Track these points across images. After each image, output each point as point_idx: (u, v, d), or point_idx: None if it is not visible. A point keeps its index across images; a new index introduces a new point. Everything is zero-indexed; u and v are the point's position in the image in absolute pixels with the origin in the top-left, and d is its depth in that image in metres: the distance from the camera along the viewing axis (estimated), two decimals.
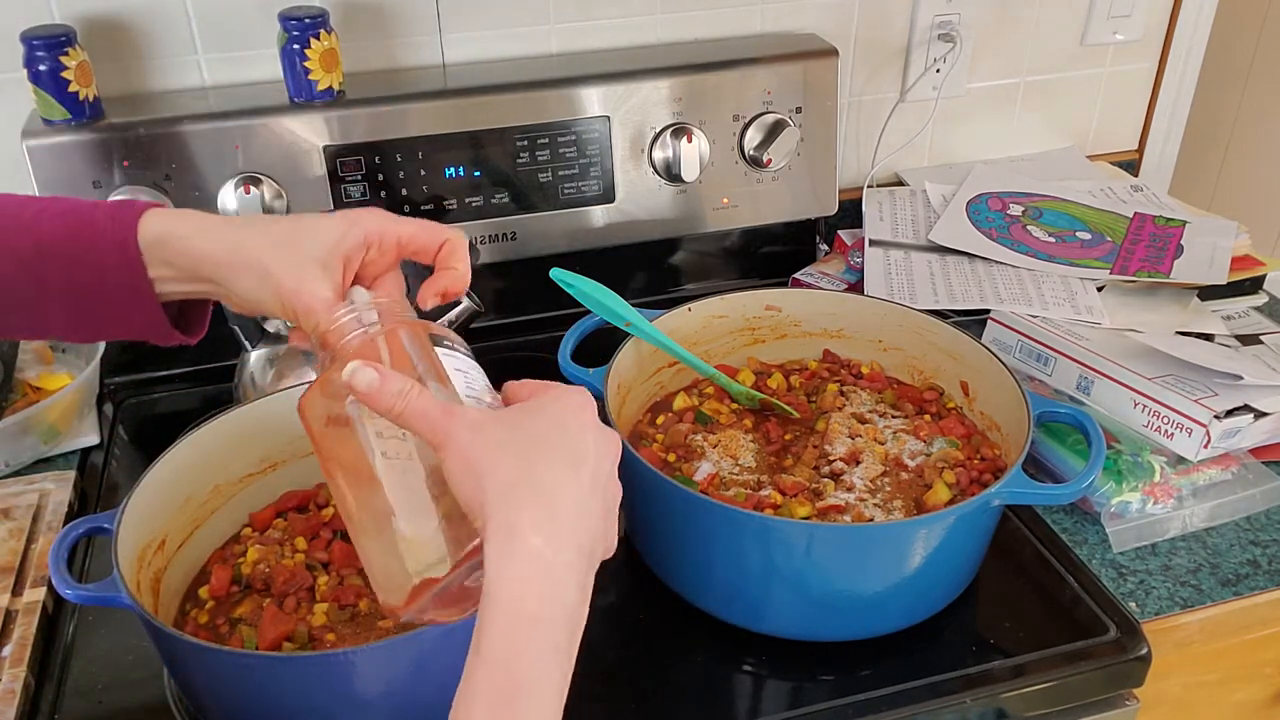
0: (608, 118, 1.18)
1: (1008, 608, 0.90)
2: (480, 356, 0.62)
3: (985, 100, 1.45)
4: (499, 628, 0.49)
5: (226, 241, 0.65)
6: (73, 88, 1.04)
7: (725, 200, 1.26)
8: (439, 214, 1.16)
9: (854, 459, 0.92)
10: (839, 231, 1.36)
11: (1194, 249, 1.25)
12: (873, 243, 1.29)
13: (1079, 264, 1.24)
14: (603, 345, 0.95)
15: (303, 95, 1.10)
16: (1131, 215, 1.33)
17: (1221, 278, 1.21)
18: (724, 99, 1.21)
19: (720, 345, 1.05)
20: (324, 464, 0.59)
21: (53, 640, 0.87)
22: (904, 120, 1.41)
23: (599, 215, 1.22)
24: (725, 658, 0.86)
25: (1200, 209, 1.36)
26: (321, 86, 1.10)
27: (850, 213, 1.37)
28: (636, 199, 1.22)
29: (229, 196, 1.09)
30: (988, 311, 1.14)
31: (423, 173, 1.14)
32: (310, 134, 1.10)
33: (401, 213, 1.13)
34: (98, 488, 1.04)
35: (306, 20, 1.07)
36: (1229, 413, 0.96)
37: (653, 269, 1.33)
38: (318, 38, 1.08)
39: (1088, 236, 1.30)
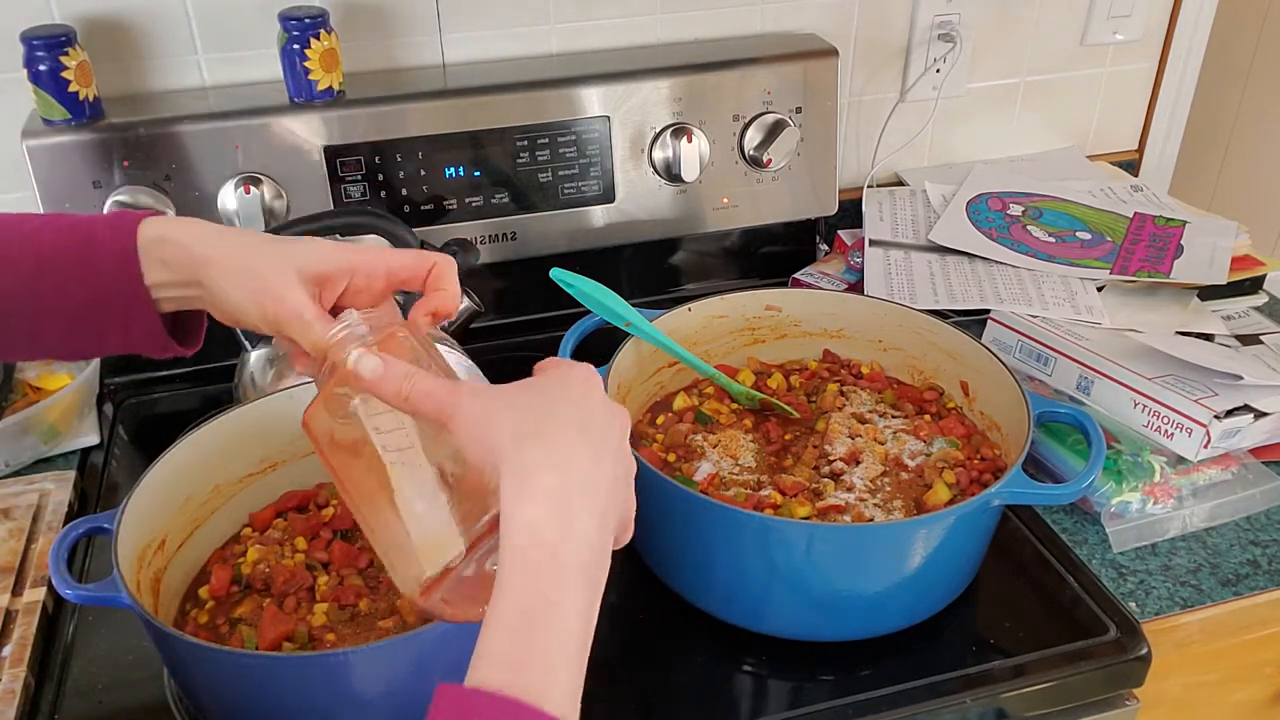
0: (608, 118, 1.18)
1: (1008, 608, 0.90)
2: (480, 356, 0.63)
3: (985, 100, 1.45)
4: (517, 556, 0.50)
5: (219, 244, 0.65)
6: (73, 88, 1.04)
7: (725, 200, 1.26)
8: (439, 214, 1.16)
9: (854, 459, 0.92)
10: (839, 231, 1.36)
11: (1194, 249, 1.25)
12: (873, 243, 1.29)
13: (1079, 264, 1.24)
14: (603, 345, 0.95)
15: (303, 95, 1.10)
16: (1131, 215, 1.33)
17: (1221, 278, 1.21)
18: (724, 99, 1.21)
19: (720, 345, 1.05)
20: (332, 471, 0.59)
21: (53, 640, 0.87)
22: (904, 120, 1.41)
23: (599, 215, 1.22)
24: (725, 658, 0.86)
25: (1200, 209, 1.36)
26: (321, 86, 1.10)
27: (850, 213, 1.37)
28: (636, 199, 1.22)
29: (229, 196, 1.09)
30: (988, 311, 1.14)
31: (423, 173, 1.14)
32: (310, 134, 1.10)
33: (401, 213, 1.14)
34: (98, 488, 1.04)
35: (306, 20, 1.07)
36: (1229, 413, 0.96)
37: (653, 269, 1.33)
38: (318, 38, 1.08)
39: (1088, 236, 1.30)
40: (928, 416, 0.98)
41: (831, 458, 0.92)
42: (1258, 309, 1.23)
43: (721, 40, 1.29)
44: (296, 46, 1.08)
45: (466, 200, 1.17)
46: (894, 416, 0.98)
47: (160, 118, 1.08)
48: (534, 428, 0.52)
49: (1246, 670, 0.99)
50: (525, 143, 1.16)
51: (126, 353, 0.70)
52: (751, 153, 1.23)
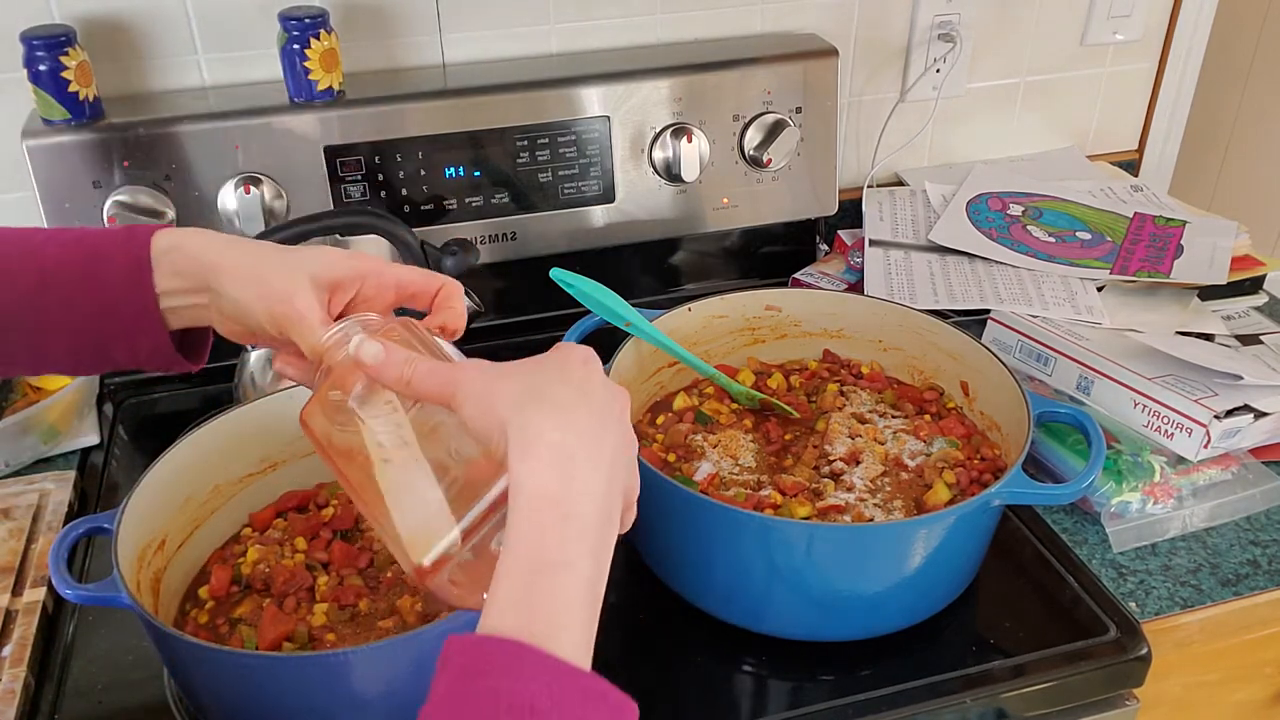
0: (608, 118, 1.18)
1: (1008, 608, 0.90)
2: (480, 356, 0.62)
3: (985, 100, 1.45)
4: (523, 511, 0.50)
5: (230, 251, 0.66)
6: (72, 88, 1.04)
7: (725, 200, 1.26)
8: (439, 214, 1.16)
9: (854, 459, 0.92)
10: (839, 231, 1.36)
11: (1194, 249, 1.25)
12: (873, 243, 1.29)
13: (1079, 264, 1.24)
14: (603, 345, 0.94)
15: (303, 95, 1.10)
16: (1131, 215, 1.33)
17: (1221, 278, 1.21)
18: (724, 99, 1.21)
19: (720, 345, 1.05)
20: (333, 468, 0.60)
21: (53, 640, 0.87)
22: (904, 120, 1.41)
23: (599, 215, 1.22)
24: (725, 658, 0.86)
25: (1200, 209, 1.36)
26: (321, 86, 1.10)
27: (850, 213, 1.37)
28: (636, 199, 1.22)
29: (229, 196, 1.09)
30: (988, 311, 1.14)
31: (423, 173, 1.14)
32: (310, 134, 1.10)
33: (401, 213, 1.14)
34: (98, 488, 1.04)
35: (306, 20, 1.07)
36: (1229, 413, 0.96)
37: (653, 269, 1.33)
38: (318, 38, 1.08)
39: (1088, 236, 1.30)
40: (928, 416, 0.98)
41: (831, 458, 0.92)
42: (1258, 309, 1.23)
43: (721, 40, 1.29)
44: (296, 46, 1.08)
45: (466, 200, 1.17)
46: (894, 416, 0.98)
47: (160, 118, 1.08)
48: (536, 392, 0.53)
49: (1246, 670, 0.99)
50: (525, 143, 1.16)
51: (131, 368, 0.70)
52: (751, 153, 1.23)
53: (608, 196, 1.21)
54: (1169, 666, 0.90)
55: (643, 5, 1.25)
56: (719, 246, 1.34)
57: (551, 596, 0.49)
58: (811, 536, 0.80)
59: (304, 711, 0.70)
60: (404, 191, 1.15)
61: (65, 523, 0.96)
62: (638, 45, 1.27)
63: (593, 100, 1.17)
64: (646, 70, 1.19)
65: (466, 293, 1.06)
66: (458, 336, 0.68)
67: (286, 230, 0.98)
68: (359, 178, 1.13)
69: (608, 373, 0.91)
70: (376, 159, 1.13)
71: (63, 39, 1.03)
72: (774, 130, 1.22)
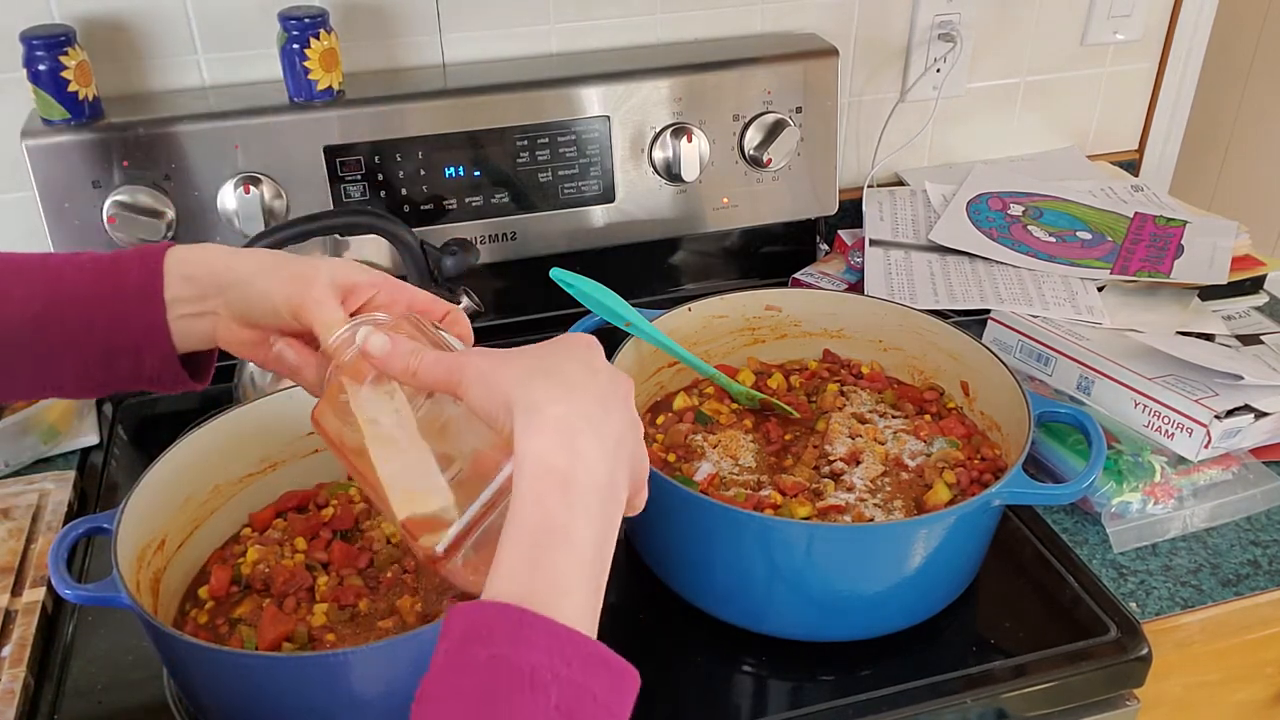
0: (608, 118, 1.18)
1: (1008, 608, 0.90)
2: None
3: (985, 100, 1.45)
4: (527, 484, 0.51)
5: (250, 255, 0.68)
6: (72, 87, 1.04)
7: (725, 200, 1.26)
8: (439, 214, 1.16)
9: (854, 459, 0.92)
10: (839, 231, 1.36)
11: (1194, 249, 1.25)
12: (873, 243, 1.29)
13: (1079, 264, 1.24)
14: (603, 345, 0.94)
15: (302, 95, 1.10)
16: (1132, 215, 1.33)
17: (1222, 278, 1.20)
18: (724, 99, 1.21)
19: (720, 345, 1.05)
20: (346, 462, 0.61)
21: (52, 640, 0.87)
22: (904, 120, 1.41)
23: (599, 215, 1.22)
24: (725, 658, 0.86)
25: (1200, 209, 1.36)
26: (321, 86, 1.10)
27: (850, 213, 1.37)
28: (636, 199, 1.22)
29: (229, 196, 1.09)
30: (988, 311, 1.14)
31: (423, 173, 1.14)
32: (310, 134, 1.10)
33: (401, 213, 1.14)
34: (97, 488, 1.04)
35: (306, 20, 1.07)
36: (1229, 413, 0.96)
37: (653, 269, 1.33)
38: (317, 37, 1.08)
39: (1088, 236, 1.29)
40: (928, 416, 0.98)
41: (832, 458, 0.92)
42: (1258, 309, 1.23)
43: (721, 40, 1.29)
44: (296, 46, 1.08)
45: (466, 200, 1.17)
46: (894, 416, 0.98)
47: (160, 118, 1.08)
48: (542, 370, 0.54)
49: (1247, 670, 0.99)
50: (525, 143, 1.16)
51: (137, 388, 0.71)
52: (751, 153, 1.23)
53: (608, 196, 1.21)
54: (1169, 667, 0.90)
55: (643, 5, 1.25)
56: (719, 246, 1.34)
57: (554, 564, 0.49)
58: (811, 536, 0.80)
59: (304, 711, 0.70)
60: (404, 191, 1.15)
61: (65, 523, 0.96)
62: (638, 45, 1.27)
63: (593, 100, 1.17)
64: (646, 70, 1.19)
65: (466, 292, 1.06)
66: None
67: (286, 230, 0.98)
68: (359, 178, 1.13)
69: None
70: (376, 159, 1.13)
71: (62, 39, 1.03)
72: (774, 130, 1.22)
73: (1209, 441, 0.95)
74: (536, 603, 0.48)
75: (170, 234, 1.08)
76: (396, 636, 0.73)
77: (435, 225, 1.16)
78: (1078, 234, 1.30)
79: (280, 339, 0.68)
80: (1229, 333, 1.16)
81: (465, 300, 1.06)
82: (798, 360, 1.07)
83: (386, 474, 0.58)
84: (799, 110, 1.24)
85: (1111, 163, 1.52)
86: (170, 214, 1.07)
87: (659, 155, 1.21)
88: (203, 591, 0.82)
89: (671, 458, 0.93)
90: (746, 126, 1.23)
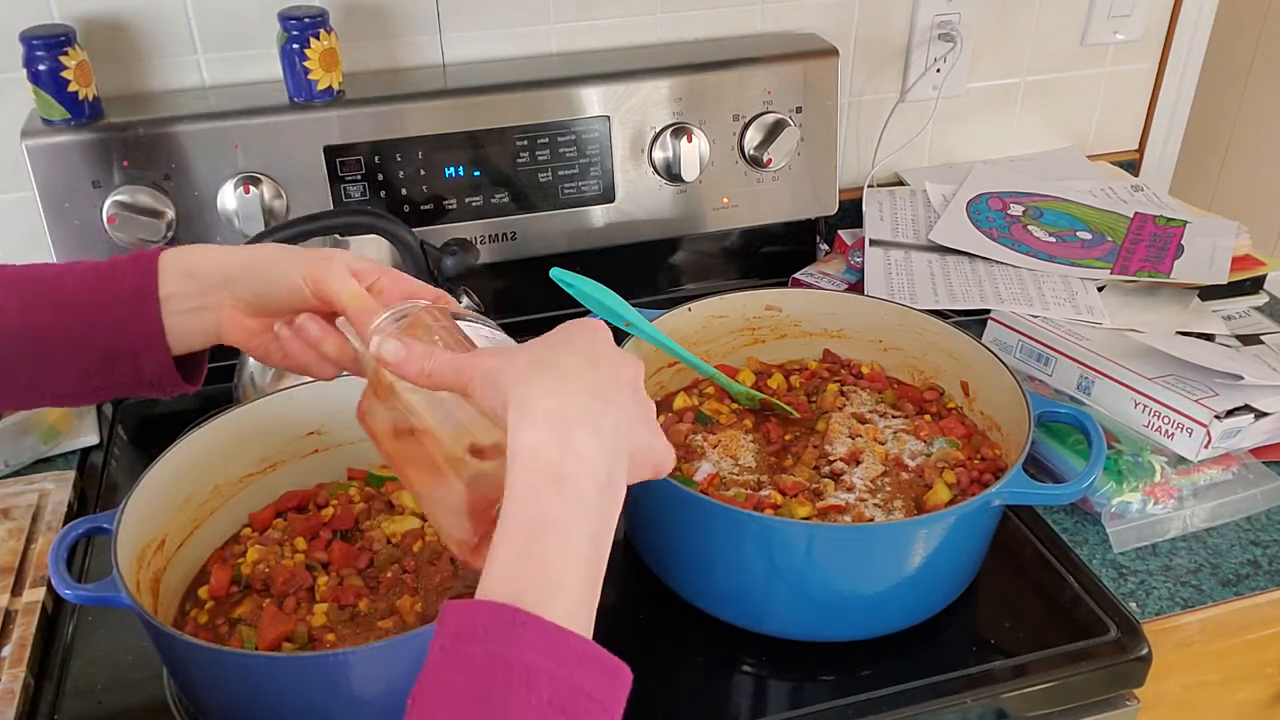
0: (608, 118, 1.18)
1: (1008, 608, 0.90)
2: None
3: (985, 100, 1.45)
4: (519, 478, 0.51)
5: (258, 246, 0.71)
6: (72, 87, 1.04)
7: (725, 200, 1.25)
8: (439, 214, 1.16)
9: (854, 459, 0.92)
10: (839, 231, 1.35)
11: (1194, 249, 1.25)
12: (873, 242, 1.29)
13: (1079, 264, 1.24)
14: None
15: (302, 95, 1.10)
16: (1132, 215, 1.33)
17: (1222, 278, 1.20)
18: (724, 99, 1.21)
19: (720, 345, 1.05)
20: (388, 455, 0.64)
21: (52, 640, 0.87)
22: (904, 120, 1.41)
23: (599, 215, 1.22)
24: (725, 658, 0.86)
25: (1200, 209, 1.36)
26: (321, 86, 1.10)
27: (850, 213, 1.37)
28: (636, 199, 1.22)
29: (228, 196, 1.09)
30: (988, 311, 1.14)
31: (423, 173, 1.14)
32: (310, 134, 1.10)
33: (401, 213, 1.14)
34: (97, 488, 1.04)
35: (306, 20, 1.07)
36: (1229, 413, 0.96)
37: (653, 269, 1.33)
38: (317, 37, 1.08)
39: (1088, 236, 1.29)
40: (928, 416, 0.98)
41: (832, 458, 0.92)
42: (1258, 309, 1.23)
43: (721, 40, 1.29)
44: (296, 46, 1.08)
45: (466, 200, 1.17)
46: (894, 416, 0.98)
47: (160, 117, 1.08)
48: (539, 363, 0.55)
49: (1247, 670, 0.99)
50: (525, 143, 1.16)
51: (131, 394, 0.71)
52: (751, 152, 1.23)
53: (608, 196, 1.21)
54: (1169, 667, 0.90)
55: (643, 5, 1.25)
56: (719, 246, 1.34)
57: (545, 559, 0.50)
58: (811, 537, 0.80)
59: (303, 711, 0.70)
60: (404, 191, 1.15)
61: (65, 523, 0.96)
62: (638, 45, 1.27)
63: (593, 100, 1.17)
64: (646, 70, 1.19)
65: (466, 292, 1.06)
66: None
67: (286, 230, 0.97)
68: (359, 177, 1.13)
69: None
70: (376, 159, 1.13)
71: (62, 39, 1.03)
72: (774, 130, 1.22)
73: (1209, 441, 0.95)
74: (530, 598, 0.48)
75: (170, 234, 1.08)
76: (396, 636, 0.73)
77: (435, 225, 1.16)
78: (1078, 234, 1.30)
79: (299, 317, 0.68)
80: (1229, 333, 1.16)
81: (465, 300, 1.06)
82: (798, 360, 1.07)
83: (439, 432, 0.59)
84: (799, 110, 1.24)
85: (1111, 163, 1.52)
86: (170, 214, 1.07)
87: (659, 155, 1.21)
88: (203, 591, 0.82)
89: None
90: (746, 126, 1.23)
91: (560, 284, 0.95)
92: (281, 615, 0.77)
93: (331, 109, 1.11)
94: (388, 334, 0.60)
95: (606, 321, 0.95)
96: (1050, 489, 0.84)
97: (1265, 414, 0.97)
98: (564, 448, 0.52)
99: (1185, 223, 1.30)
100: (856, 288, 1.25)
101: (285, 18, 1.08)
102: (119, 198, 1.05)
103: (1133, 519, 0.96)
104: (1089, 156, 1.51)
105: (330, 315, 0.69)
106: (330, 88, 1.11)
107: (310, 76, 1.09)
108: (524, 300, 1.25)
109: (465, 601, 0.48)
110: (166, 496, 0.81)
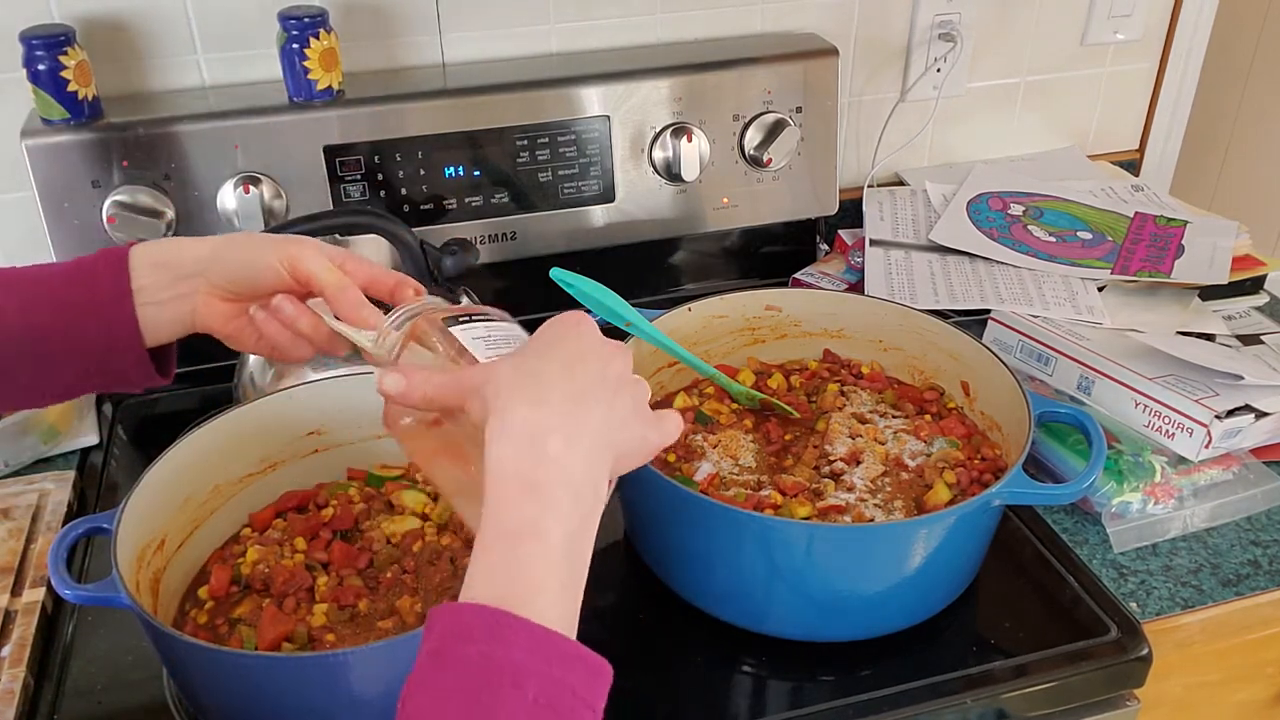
0: (608, 117, 1.18)
1: (1008, 608, 0.90)
2: None
3: (985, 100, 1.45)
4: (495, 486, 0.53)
5: (228, 235, 0.72)
6: (72, 87, 1.04)
7: (725, 200, 1.25)
8: (439, 214, 1.16)
9: (854, 459, 0.92)
10: (839, 231, 1.35)
11: (1195, 249, 1.25)
12: (873, 242, 1.29)
13: (1080, 264, 1.24)
14: None
15: (302, 95, 1.10)
16: (1132, 215, 1.33)
17: (1222, 278, 1.20)
18: (724, 99, 1.21)
19: (720, 345, 1.05)
20: (417, 455, 0.65)
21: (52, 640, 0.87)
22: (904, 120, 1.41)
23: (599, 215, 1.22)
24: (725, 658, 0.86)
25: (1201, 209, 1.35)
26: (321, 86, 1.10)
27: (850, 212, 1.37)
28: (636, 199, 1.22)
29: (228, 196, 1.09)
30: (988, 311, 1.14)
31: (423, 172, 1.14)
32: (310, 134, 1.10)
33: (401, 213, 1.14)
34: (97, 488, 1.04)
35: (306, 20, 1.07)
36: (1230, 413, 0.96)
37: (653, 269, 1.33)
38: (317, 37, 1.08)
39: (1088, 236, 1.29)
40: (928, 416, 0.98)
41: (832, 458, 0.92)
42: (1259, 309, 1.23)
43: (721, 40, 1.29)
44: (296, 46, 1.08)
45: (466, 200, 1.17)
46: (894, 416, 0.98)
47: (160, 117, 1.08)
48: (520, 372, 0.56)
49: (1248, 670, 0.99)
50: (525, 142, 1.16)
51: (106, 389, 0.73)
52: (752, 152, 1.23)
53: (608, 196, 1.21)
54: (1170, 667, 0.90)
55: (643, 5, 1.25)
56: (719, 246, 1.34)
57: (524, 564, 0.51)
58: (811, 537, 0.80)
59: (303, 711, 0.70)
60: (404, 191, 1.15)
61: (64, 523, 0.96)
62: (638, 45, 1.27)
63: (592, 100, 1.17)
64: (646, 70, 1.19)
65: (466, 292, 1.06)
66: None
67: (286, 230, 0.97)
68: (358, 177, 1.13)
69: None
70: (376, 159, 1.13)
71: (62, 39, 1.03)
72: (774, 130, 1.22)
73: (1209, 441, 0.95)
74: (512, 602, 0.49)
75: (170, 234, 1.08)
76: (396, 636, 0.73)
77: (435, 225, 1.16)
78: (1078, 234, 1.30)
79: (275, 298, 0.70)
80: (1229, 333, 1.16)
81: (465, 300, 1.06)
82: (798, 360, 1.07)
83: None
84: (799, 110, 1.24)
85: (1112, 163, 1.52)
86: (170, 214, 1.07)
87: (659, 155, 1.21)
88: (202, 591, 0.82)
89: (671, 458, 0.93)
90: (746, 126, 1.23)
91: (560, 284, 0.95)
92: (281, 615, 0.77)
93: (331, 109, 1.11)
94: (389, 367, 0.62)
95: (607, 321, 0.95)
96: (1050, 489, 0.84)
97: (1265, 414, 0.97)
98: (537, 457, 0.53)
99: (1185, 223, 1.30)
100: (856, 288, 1.25)
101: (285, 18, 1.08)
102: (119, 198, 1.05)
103: (1133, 519, 0.96)
104: (1089, 156, 1.51)
105: (303, 297, 0.71)
106: (330, 88, 1.11)
107: (310, 76, 1.09)
108: (524, 300, 1.24)
109: (452, 605, 0.50)
110: (166, 496, 0.81)
